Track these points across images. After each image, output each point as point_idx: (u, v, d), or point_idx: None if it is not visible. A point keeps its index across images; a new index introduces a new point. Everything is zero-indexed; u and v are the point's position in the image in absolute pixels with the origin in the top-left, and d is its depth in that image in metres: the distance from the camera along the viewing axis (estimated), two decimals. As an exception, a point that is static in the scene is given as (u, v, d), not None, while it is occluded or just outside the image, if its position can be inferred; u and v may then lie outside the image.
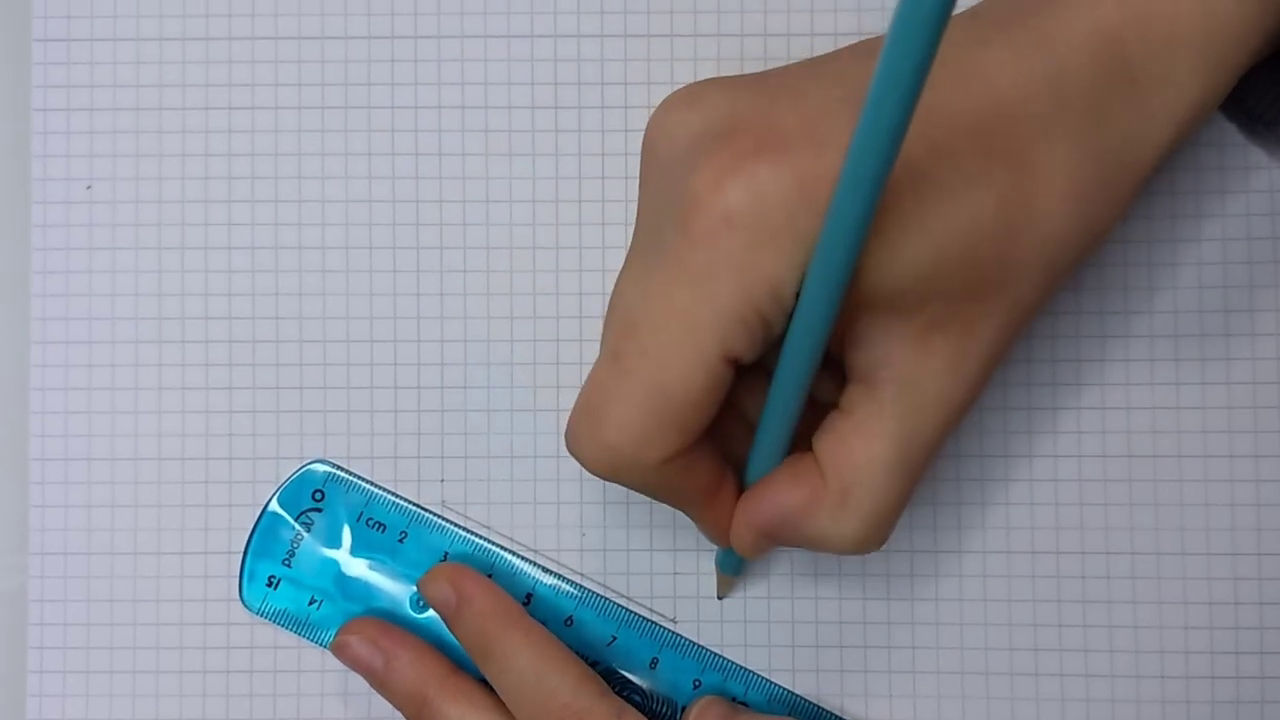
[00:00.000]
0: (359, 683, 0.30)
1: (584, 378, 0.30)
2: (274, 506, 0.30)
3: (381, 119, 0.31)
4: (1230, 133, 0.30)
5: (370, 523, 0.30)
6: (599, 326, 0.30)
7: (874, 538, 0.24)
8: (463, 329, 0.31)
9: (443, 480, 0.31)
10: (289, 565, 0.30)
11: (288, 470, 0.31)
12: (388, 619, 0.30)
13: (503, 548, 0.30)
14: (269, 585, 0.30)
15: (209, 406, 0.31)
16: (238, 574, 0.30)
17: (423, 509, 0.30)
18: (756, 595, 0.30)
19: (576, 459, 0.24)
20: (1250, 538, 0.30)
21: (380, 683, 0.28)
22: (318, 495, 0.30)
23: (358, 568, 0.30)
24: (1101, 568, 0.30)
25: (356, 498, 0.30)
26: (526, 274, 0.31)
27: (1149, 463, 0.30)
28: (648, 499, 0.30)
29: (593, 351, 0.30)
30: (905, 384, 0.23)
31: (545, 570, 0.30)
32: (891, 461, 0.24)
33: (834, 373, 0.25)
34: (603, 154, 0.31)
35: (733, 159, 0.22)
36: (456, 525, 0.30)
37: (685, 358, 0.22)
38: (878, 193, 0.19)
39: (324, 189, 0.31)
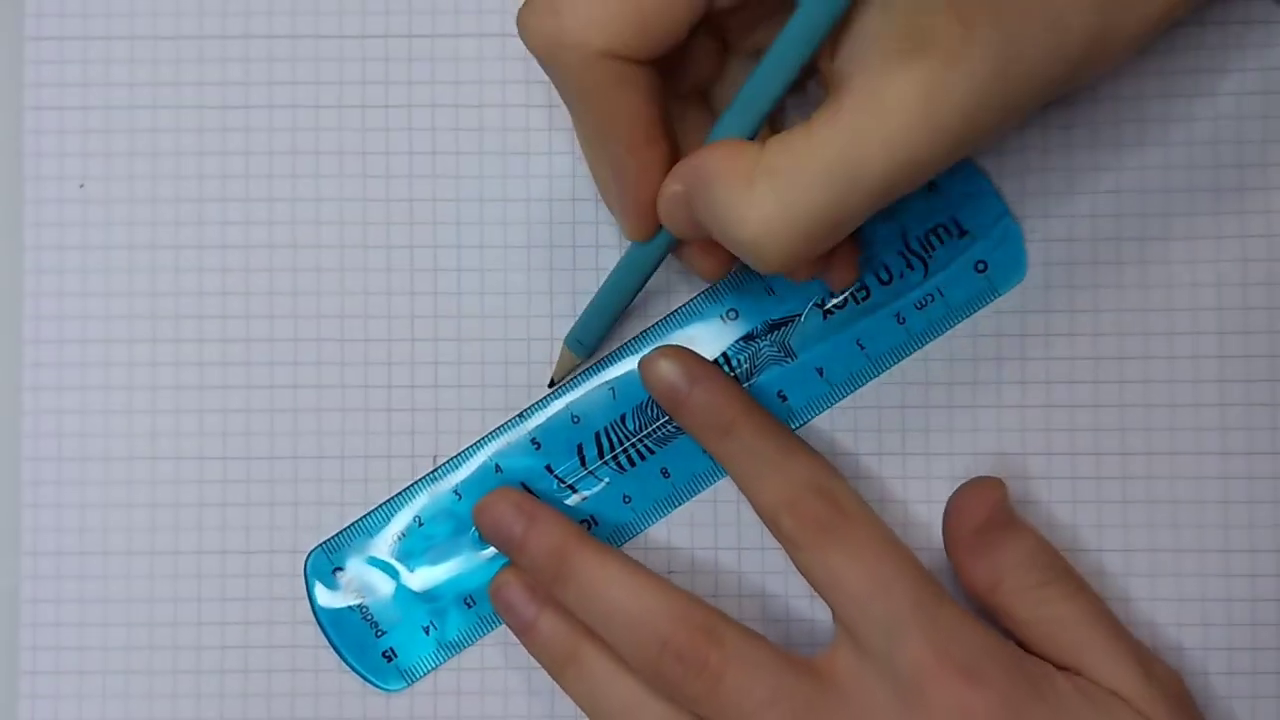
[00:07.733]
0: (352, 683, 0.30)
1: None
2: (324, 603, 0.30)
3: (375, 118, 0.31)
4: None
5: (400, 535, 0.30)
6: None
7: (776, 234, 0.23)
8: (457, 347, 0.31)
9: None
10: (384, 634, 0.30)
11: (282, 471, 0.31)
12: (484, 576, 0.30)
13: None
14: (388, 660, 0.30)
15: (203, 405, 0.31)
16: (369, 682, 0.30)
17: (414, 483, 0.30)
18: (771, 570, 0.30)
19: (520, 30, 0.24)
20: (1269, 535, 0.30)
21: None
22: (338, 572, 0.30)
23: (425, 576, 0.30)
24: (1120, 565, 0.30)
25: (361, 539, 0.30)
26: (541, 298, 0.31)
27: (1166, 460, 0.30)
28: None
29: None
30: (870, 94, 0.22)
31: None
32: (828, 163, 0.22)
33: None
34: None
35: None
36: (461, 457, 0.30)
37: None
38: None
39: (319, 187, 0.31)
